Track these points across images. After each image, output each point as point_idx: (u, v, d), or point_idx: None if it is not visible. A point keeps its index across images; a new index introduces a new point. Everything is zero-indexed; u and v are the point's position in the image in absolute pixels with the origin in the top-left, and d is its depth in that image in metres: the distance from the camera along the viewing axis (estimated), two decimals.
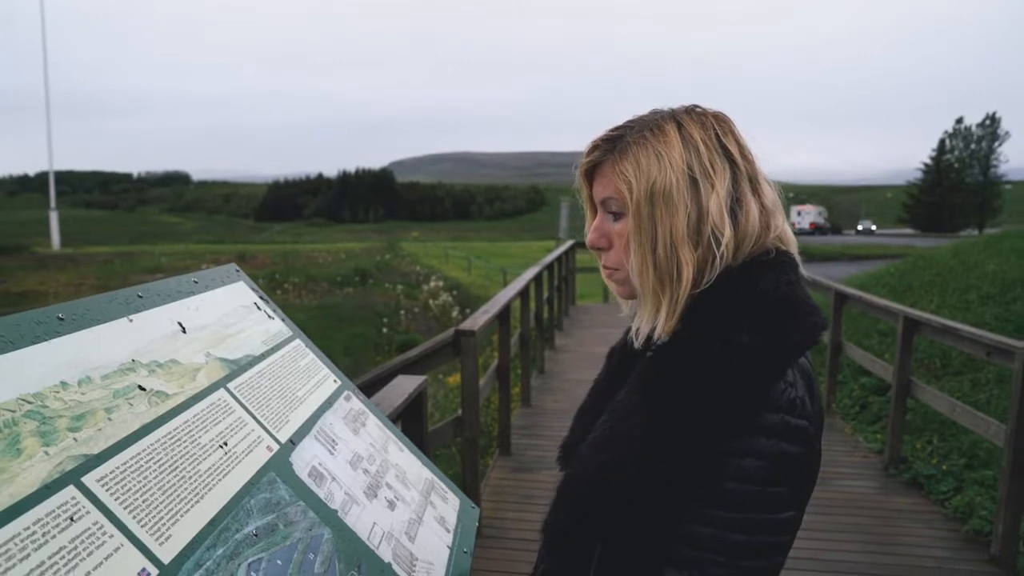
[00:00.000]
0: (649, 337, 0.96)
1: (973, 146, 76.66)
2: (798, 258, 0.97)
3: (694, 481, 0.85)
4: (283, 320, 1.51)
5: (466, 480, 3.75)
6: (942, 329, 4.38)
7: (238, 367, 1.21)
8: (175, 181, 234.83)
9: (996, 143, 75.14)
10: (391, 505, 1.30)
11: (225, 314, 1.32)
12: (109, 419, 0.88)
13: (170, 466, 0.90)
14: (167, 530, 0.83)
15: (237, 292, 1.44)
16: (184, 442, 0.96)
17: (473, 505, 1.58)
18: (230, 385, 1.15)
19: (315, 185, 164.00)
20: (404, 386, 2.19)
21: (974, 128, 76.96)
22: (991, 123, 75.66)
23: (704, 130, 0.93)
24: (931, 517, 4.10)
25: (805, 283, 0.96)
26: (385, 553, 1.16)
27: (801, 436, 0.86)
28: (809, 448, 0.88)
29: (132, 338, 1.03)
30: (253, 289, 1.51)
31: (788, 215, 1.02)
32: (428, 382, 2.41)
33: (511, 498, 4.32)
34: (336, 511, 1.12)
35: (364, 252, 35.00)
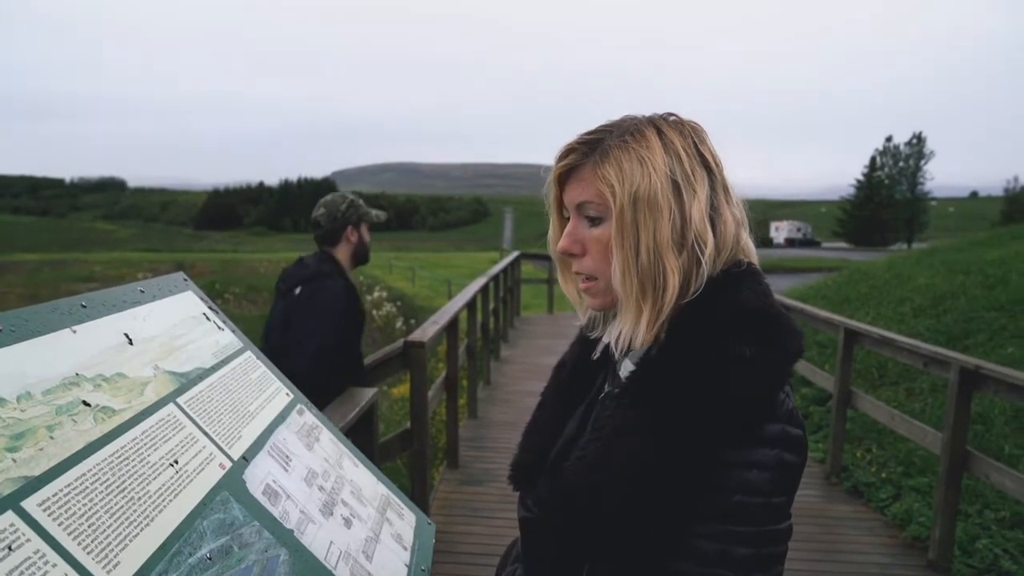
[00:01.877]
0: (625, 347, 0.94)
1: (901, 164, 79.78)
2: (760, 269, 0.98)
3: (697, 496, 0.83)
4: (233, 331, 1.45)
5: (415, 494, 3.69)
6: (881, 340, 4.51)
7: (188, 380, 1.16)
8: (110, 187, 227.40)
9: (922, 161, 78.34)
10: (347, 523, 1.25)
11: (173, 325, 1.26)
12: (51, 437, 0.82)
13: (117, 487, 0.85)
14: (116, 556, 0.77)
15: (185, 302, 1.38)
16: (132, 461, 0.90)
17: (429, 521, 1.54)
18: (180, 400, 1.10)
19: (256, 194, 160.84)
20: (355, 398, 2.14)
21: (902, 147, 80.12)
22: (918, 142, 78.87)
23: (683, 138, 0.92)
24: (872, 524, 4.21)
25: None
26: (343, 573, 1.12)
27: (799, 445, 0.86)
28: (804, 457, 0.88)
29: (76, 350, 0.97)
30: (202, 299, 1.45)
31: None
32: (379, 394, 2.36)
33: (460, 511, 4.26)
34: (292, 531, 1.08)
35: None
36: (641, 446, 0.85)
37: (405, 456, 4.09)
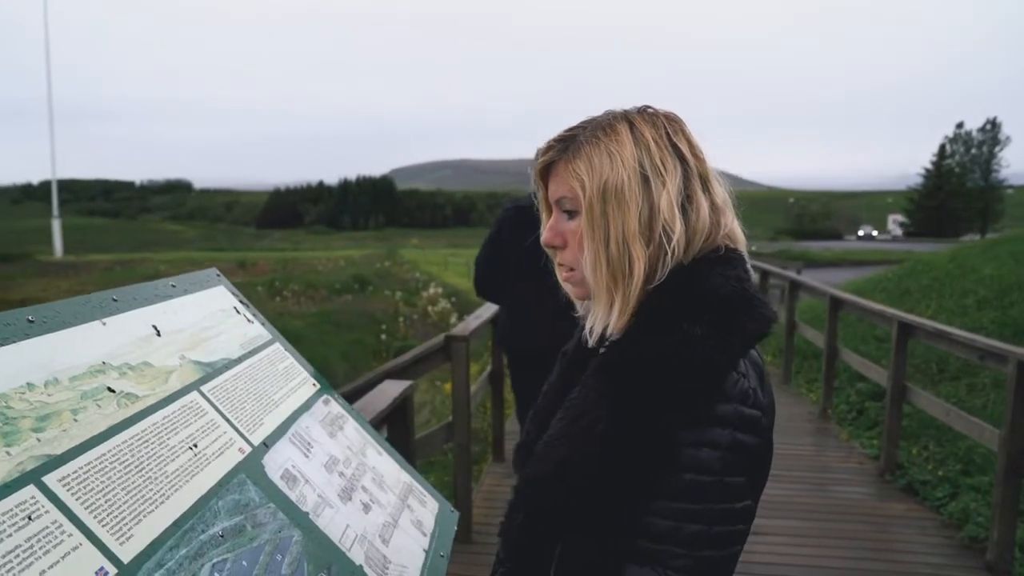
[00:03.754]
0: (603, 335, 0.97)
1: (974, 151, 76.85)
2: (747, 255, 0.99)
3: (653, 474, 0.86)
4: (263, 324, 1.51)
5: (458, 486, 3.75)
6: (935, 333, 4.38)
7: (213, 370, 1.21)
8: (177, 189, 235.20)
9: (997, 148, 75.29)
10: (366, 508, 1.30)
11: (202, 317, 1.32)
12: (75, 420, 0.88)
13: (135, 467, 0.90)
14: (129, 530, 0.83)
15: (216, 296, 1.44)
16: (152, 443, 0.96)
17: (452, 509, 1.58)
18: (204, 388, 1.15)
19: (316, 193, 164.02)
20: (389, 391, 2.19)
21: (975, 133, 77.12)
22: (992, 128, 75.80)
23: (655, 129, 0.95)
24: (926, 524, 4.09)
25: (753, 279, 0.98)
26: (357, 555, 1.16)
27: (755, 426, 0.88)
28: (762, 438, 0.89)
29: (104, 341, 1.03)
30: (233, 293, 1.51)
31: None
32: (415, 387, 2.41)
33: (503, 503, 4.28)
34: (308, 513, 1.12)
35: (363, 259, 35.11)
36: (600, 425, 0.88)
37: (451, 449, 4.15)
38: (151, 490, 0.90)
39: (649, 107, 0.99)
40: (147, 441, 0.95)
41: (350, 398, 2.13)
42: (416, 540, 1.37)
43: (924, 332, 4.54)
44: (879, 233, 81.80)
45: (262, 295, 20.00)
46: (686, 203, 0.93)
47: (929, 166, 79.31)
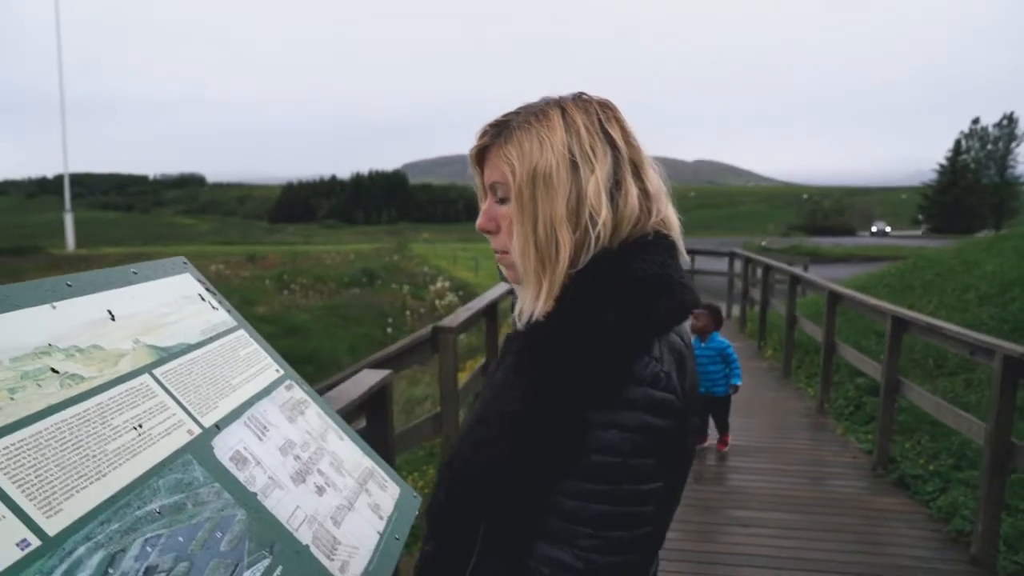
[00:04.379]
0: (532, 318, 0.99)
1: (990, 147, 76.02)
2: (679, 242, 1.00)
3: (564, 455, 0.87)
4: (228, 311, 1.52)
5: None
6: (928, 328, 4.37)
7: (168, 354, 1.23)
8: (190, 183, 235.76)
9: (1013, 143, 74.47)
10: (320, 491, 1.31)
11: (162, 303, 1.33)
12: (12, 399, 0.90)
13: (73, 445, 0.92)
14: (59, 505, 0.84)
15: (181, 283, 1.45)
16: (94, 423, 0.97)
17: (415, 495, 1.59)
18: (156, 371, 1.17)
19: (329, 187, 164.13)
20: (365, 380, 2.20)
21: (991, 128, 76.31)
22: (1008, 123, 74.95)
23: (587, 116, 0.96)
24: (915, 517, 4.10)
25: (682, 265, 0.99)
26: (304, 536, 1.17)
27: (665, 409, 0.88)
28: (675, 421, 0.90)
29: (52, 324, 1.04)
30: (199, 281, 1.52)
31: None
32: (394, 376, 2.43)
33: None
34: (255, 494, 1.14)
35: (373, 253, 35.22)
36: (513, 406, 0.90)
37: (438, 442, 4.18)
38: (88, 467, 0.91)
39: (584, 94, 1.00)
40: (88, 420, 0.97)
41: (330, 388, 2.15)
42: (371, 523, 1.38)
43: (917, 327, 4.53)
44: (892, 230, 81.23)
45: (270, 288, 20.08)
46: (614, 189, 0.94)
47: (944, 162, 78.56)
